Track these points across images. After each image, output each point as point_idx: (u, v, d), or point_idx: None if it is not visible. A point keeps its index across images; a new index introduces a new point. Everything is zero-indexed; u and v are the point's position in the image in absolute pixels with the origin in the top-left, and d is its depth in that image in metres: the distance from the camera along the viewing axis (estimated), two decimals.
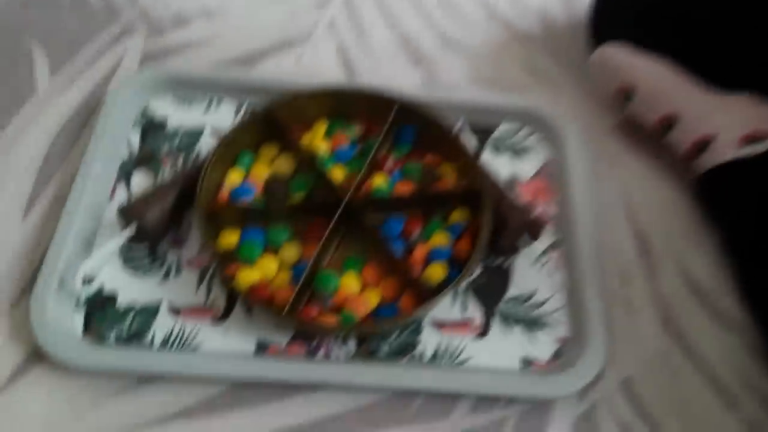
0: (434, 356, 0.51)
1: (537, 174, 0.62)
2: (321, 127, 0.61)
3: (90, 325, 0.51)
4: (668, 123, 0.60)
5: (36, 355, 0.49)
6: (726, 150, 0.57)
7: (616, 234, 0.59)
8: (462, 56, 0.70)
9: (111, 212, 0.55)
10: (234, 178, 0.57)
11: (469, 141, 0.62)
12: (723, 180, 0.58)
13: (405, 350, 0.51)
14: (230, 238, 0.54)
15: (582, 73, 0.69)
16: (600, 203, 0.60)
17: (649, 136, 0.63)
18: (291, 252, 0.54)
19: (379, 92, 0.59)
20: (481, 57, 0.71)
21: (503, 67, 0.70)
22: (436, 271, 0.53)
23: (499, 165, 0.61)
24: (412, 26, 0.72)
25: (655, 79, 0.60)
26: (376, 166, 0.59)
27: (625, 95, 0.61)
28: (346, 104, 0.60)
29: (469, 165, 0.57)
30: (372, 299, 0.52)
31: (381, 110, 0.59)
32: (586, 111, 0.67)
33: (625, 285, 0.56)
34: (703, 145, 0.58)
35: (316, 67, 0.68)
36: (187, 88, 0.63)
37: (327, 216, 0.54)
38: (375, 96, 0.59)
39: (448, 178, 0.59)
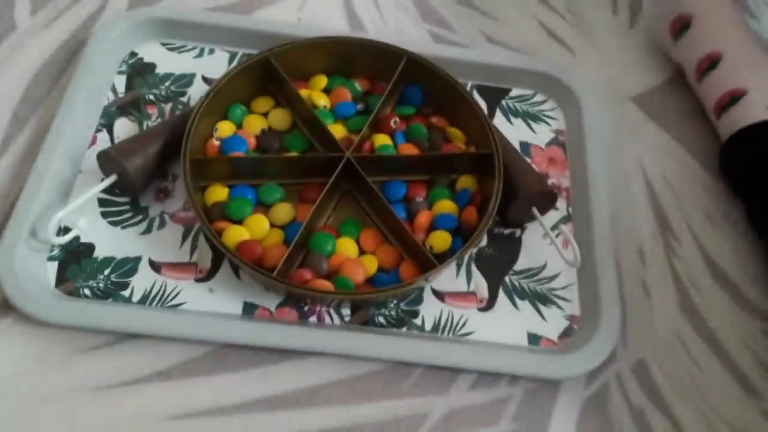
0: (434, 328, 0.48)
1: (551, 143, 0.58)
2: (320, 81, 0.57)
3: (63, 278, 0.47)
4: (711, 63, 0.57)
5: (4, 307, 0.45)
6: (755, 110, 0.53)
7: (634, 209, 0.56)
8: (475, 14, 0.66)
9: (91, 160, 0.51)
10: (224, 130, 0.53)
11: (479, 104, 0.58)
12: (747, 146, 0.54)
13: (403, 321, 0.48)
14: (218, 193, 0.50)
15: (603, 39, 0.66)
16: (618, 176, 0.57)
17: (690, 79, 0.61)
18: (283, 212, 0.50)
19: (386, 45, 0.55)
20: (496, 16, 0.66)
21: (519, 28, 0.66)
22: (440, 240, 0.49)
23: (510, 131, 0.57)
24: None
25: (715, 9, 0.57)
26: (378, 126, 0.55)
27: (682, 25, 0.59)
28: (349, 57, 0.56)
29: (481, 127, 0.52)
30: (370, 265, 0.48)
31: (386, 65, 0.55)
32: (606, 79, 0.63)
33: (641, 263, 0.53)
34: (733, 99, 0.55)
35: (319, 17, 0.63)
36: (178, 34, 0.59)
37: (323, 175, 0.50)
38: (381, 48, 0.55)
39: (457, 141, 0.55)
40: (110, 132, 0.54)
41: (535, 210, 0.51)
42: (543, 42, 0.65)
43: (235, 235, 0.48)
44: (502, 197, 0.49)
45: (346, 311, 0.48)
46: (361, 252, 0.49)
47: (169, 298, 0.46)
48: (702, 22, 0.59)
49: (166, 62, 0.58)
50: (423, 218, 0.50)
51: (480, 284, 0.50)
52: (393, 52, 0.55)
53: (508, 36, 0.65)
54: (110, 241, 0.48)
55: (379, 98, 0.54)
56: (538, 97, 0.60)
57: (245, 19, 0.61)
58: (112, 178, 0.49)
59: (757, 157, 0.53)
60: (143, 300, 0.46)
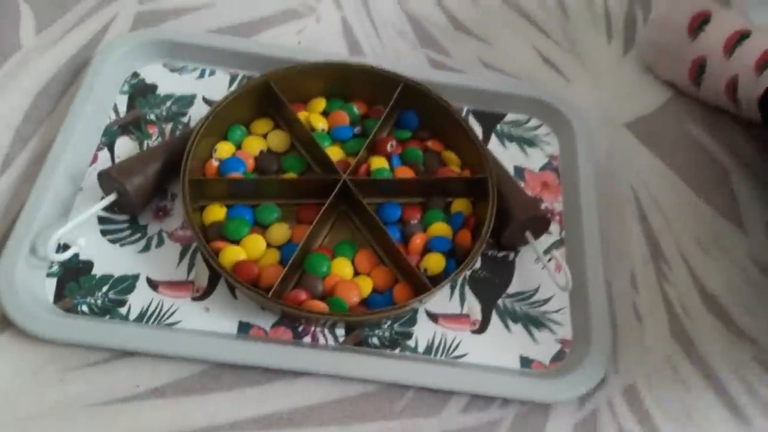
0: (428, 350, 0.48)
1: (544, 167, 0.59)
2: (319, 104, 0.58)
3: (62, 294, 0.47)
4: (741, 36, 0.60)
5: (2, 322, 0.45)
6: None
7: (626, 234, 0.56)
8: (472, 40, 0.67)
9: (91, 178, 0.52)
10: (224, 151, 0.54)
11: (475, 129, 0.59)
12: None
13: (396, 342, 0.48)
14: (216, 213, 0.51)
15: (597, 66, 0.67)
16: (610, 201, 0.58)
17: (712, 67, 0.62)
18: (280, 233, 0.51)
19: (384, 71, 0.56)
20: (492, 42, 0.68)
21: (515, 54, 0.67)
22: (435, 262, 0.50)
23: (505, 156, 0.58)
24: (422, 5, 0.69)
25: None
26: (375, 149, 0.56)
27: (703, 20, 0.61)
28: (347, 81, 0.57)
29: (476, 152, 0.53)
30: (364, 287, 0.49)
31: (384, 90, 0.56)
32: (599, 105, 0.64)
33: (632, 288, 0.53)
34: None
35: (319, 41, 0.65)
36: (180, 55, 0.60)
37: (320, 197, 0.51)
38: (379, 74, 0.56)
39: (452, 165, 0.56)
40: (111, 151, 0.54)
41: (528, 234, 0.52)
42: (538, 68, 0.66)
43: (231, 255, 0.48)
44: (496, 221, 0.50)
45: (340, 332, 0.48)
46: (356, 273, 0.50)
47: (166, 316, 0.47)
48: (720, 13, 0.62)
49: (168, 83, 0.59)
50: (418, 240, 0.51)
51: (473, 307, 0.51)
52: (390, 78, 0.56)
53: (504, 62, 0.66)
54: (109, 259, 0.49)
55: (377, 122, 0.55)
56: (533, 122, 0.62)
57: (246, 42, 0.62)
58: (112, 197, 0.49)
59: None
60: (140, 317, 0.47)
